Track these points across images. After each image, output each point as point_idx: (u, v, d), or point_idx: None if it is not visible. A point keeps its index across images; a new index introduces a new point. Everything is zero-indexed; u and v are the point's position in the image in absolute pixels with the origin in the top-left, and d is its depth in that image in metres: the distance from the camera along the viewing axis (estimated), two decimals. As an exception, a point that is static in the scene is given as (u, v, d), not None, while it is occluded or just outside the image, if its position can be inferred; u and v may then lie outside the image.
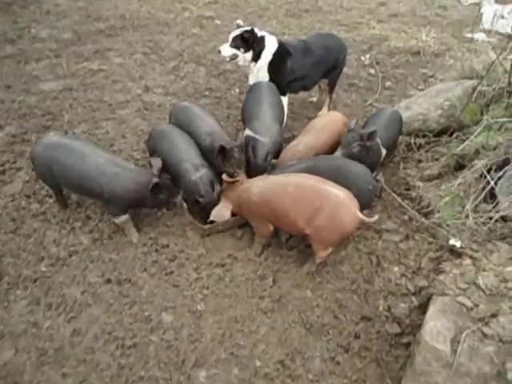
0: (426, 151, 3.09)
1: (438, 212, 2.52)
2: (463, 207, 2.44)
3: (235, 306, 2.26)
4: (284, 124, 3.22)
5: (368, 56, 4.91)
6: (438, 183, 2.81)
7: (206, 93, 4.14)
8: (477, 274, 2.04)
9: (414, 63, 4.80)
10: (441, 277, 2.14)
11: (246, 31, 3.01)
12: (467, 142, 2.64)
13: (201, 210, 2.55)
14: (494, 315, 1.78)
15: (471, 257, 2.19)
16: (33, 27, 5.25)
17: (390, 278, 2.40)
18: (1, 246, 2.54)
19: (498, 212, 2.27)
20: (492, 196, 2.38)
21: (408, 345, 2.06)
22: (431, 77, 4.51)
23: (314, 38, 3.52)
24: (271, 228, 2.38)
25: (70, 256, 2.50)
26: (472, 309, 1.86)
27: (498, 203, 2.32)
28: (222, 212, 2.42)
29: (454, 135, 2.96)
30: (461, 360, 1.67)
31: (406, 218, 2.75)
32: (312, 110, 3.94)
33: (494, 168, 2.42)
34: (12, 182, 2.98)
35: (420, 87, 4.31)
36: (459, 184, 2.54)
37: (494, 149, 2.51)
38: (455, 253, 2.31)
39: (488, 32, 4.91)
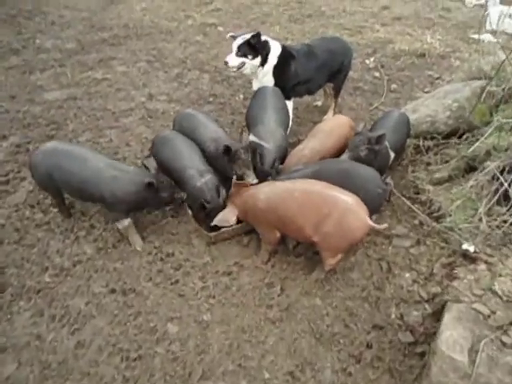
0: (435, 154, 3.03)
1: (450, 216, 2.45)
2: (476, 210, 2.37)
3: (242, 316, 2.20)
4: (289, 129, 3.18)
5: (372, 59, 4.86)
6: (449, 186, 2.74)
7: (210, 99, 4.12)
8: (492, 280, 1.97)
9: (419, 65, 4.74)
10: (455, 283, 2.06)
11: (252, 37, 2.97)
12: (478, 144, 2.57)
13: (206, 217, 2.50)
14: (512, 323, 1.71)
15: (486, 262, 2.12)
16: (37, 38, 5.30)
17: (402, 284, 2.32)
18: (4, 256, 2.51)
19: (512, 215, 2.20)
20: (506, 198, 2.30)
21: (422, 354, 1.98)
22: (437, 79, 4.45)
23: (318, 41, 3.49)
24: (278, 235, 2.32)
25: (74, 266, 2.46)
26: (489, 316, 1.79)
27: (512, 206, 2.25)
28: (227, 217, 2.37)
29: (464, 137, 2.90)
30: (480, 371, 1.59)
31: (416, 222, 2.67)
32: (317, 114, 3.90)
33: (506, 169, 2.35)
34: (16, 192, 2.96)
35: (426, 89, 4.25)
36: (471, 186, 2.47)
37: (506, 150, 2.43)
38: (469, 258, 2.24)
39: (494, 33, 4.84)
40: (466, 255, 2.26)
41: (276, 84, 3.17)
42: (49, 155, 2.38)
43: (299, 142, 3.11)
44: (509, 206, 2.25)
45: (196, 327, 2.15)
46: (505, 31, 5.01)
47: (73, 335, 2.11)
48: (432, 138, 3.05)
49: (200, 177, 2.46)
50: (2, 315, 2.18)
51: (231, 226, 2.47)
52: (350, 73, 3.81)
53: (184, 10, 6.49)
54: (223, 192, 2.50)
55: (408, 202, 2.74)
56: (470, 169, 2.75)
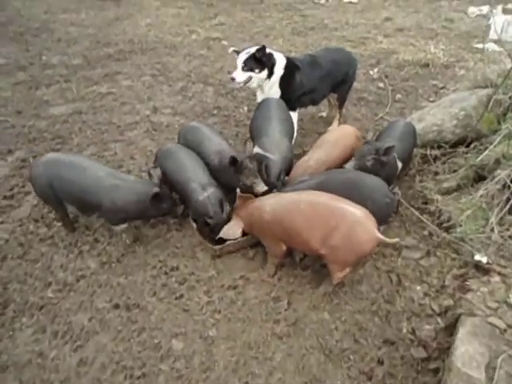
0: (443, 163, 2.98)
1: (460, 226, 2.39)
2: (487, 220, 2.31)
3: (249, 331, 2.14)
4: (294, 140, 3.15)
5: (376, 70, 4.87)
6: (458, 196, 2.69)
7: (215, 112, 4.13)
8: (507, 292, 1.91)
9: (423, 75, 4.73)
10: (468, 295, 2.00)
11: (257, 50, 2.97)
12: (486, 152, 2.52)
13: (210, 231, 2.47)
14: (530, 338, 1.64)
15: (499, 273, 2.06)
16: (44, 54, 5.38)
17: (413, 297, 2.25)
18: (8, 272, 2.48)
19: (525, 224, 2.15)
20: (517, 207, 2.25)
21: (436, 370, 1.90)
22: (442, 88, 4.43)
23: (322, 52, 3.50)
24: (284, 247, 2.27)
25: (78, 281, 2.42)
26: (505, 330, 1.72)
27: (524, 215, 2.19)
28: (232, 230, 2.33)
29: (472, 145, 2.85)
30: (498, 389, 1.52)
31: (425, 233, 2.61)
32: (322, 125, 3.88)
33: (517, 178, 2.30)
34: (20, 207, 2.95)
35: (431, 99, 4.23)
36: (481, 196, 2.42)
37: (516, 158, 2.39)
38: (481, 269, 2.18)
39: (498, 41, 4.84)
40: (478, 266, 2.20)
41: (282, 95, 3.17)
42: (50, 166, 2.39)
43: (304, 153, 3.07)
44: (521, 216, 2.20)
45: (201, 343, 2.09)
46: (508, 40, 4.99)
47: (75, 352, 2.06)
48: (439, 147, 3.01)
49: (202, 190, 2.43)
50: (4, 332, 2.14)
51: (236, 239, 2.43)
52: (354, 83, 3.80)
53: (188, 24, 6.58)
54: (227, 206, 2.47)
55: (416, 213, 2.69)
56: (479, 178, 2.70)
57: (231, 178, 2.54)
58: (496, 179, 2.37)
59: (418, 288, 2.30)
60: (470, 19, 6.60)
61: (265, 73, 3.06)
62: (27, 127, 3.82)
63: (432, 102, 4.05)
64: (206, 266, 2.49)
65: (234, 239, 2.44)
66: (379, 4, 7.65)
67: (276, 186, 2.53)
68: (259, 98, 3.27)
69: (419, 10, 7.17)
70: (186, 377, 1.94)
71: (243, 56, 3.02)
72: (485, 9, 6.72)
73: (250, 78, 3.07)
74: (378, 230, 2.03)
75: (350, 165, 2.50)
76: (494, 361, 1.59)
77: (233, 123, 3.94)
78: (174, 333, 2.13)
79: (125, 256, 2.56)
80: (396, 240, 2.09)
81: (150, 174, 2.57)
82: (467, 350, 1.64)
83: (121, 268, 2.50)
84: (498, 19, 5.35)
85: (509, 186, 2.27)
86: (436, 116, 3.08)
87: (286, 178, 2.63)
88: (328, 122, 3.87)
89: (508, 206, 2.26)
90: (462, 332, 1.74)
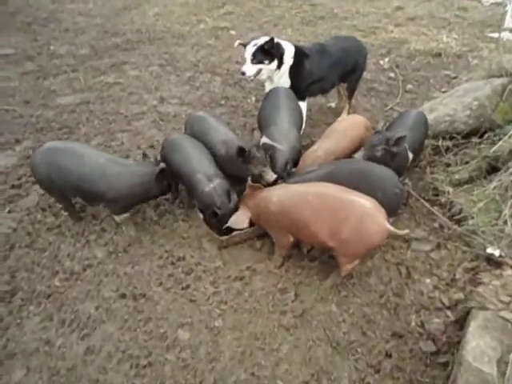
0: (455, 154, 2.91)
1: (472, 218, 2.34)
2: (500, 212, 2.26)
3: (255, 322, 2.12)
4: (303, 130, 3.11)
5: (387, 60, 4.77)
6: (469, 188, 2.63)
7: (222, 102, 4.09)
8: (521, 286, 1.85)
9: (435, 65, 4.63)
10: (479, 289, 1.96)
11: (266, 42, 2.92)
12: (501, 143, 2.46)
13: (218, 222, 2.44)
14: (544, 332, 1.60)
15: (512, 267, 2.01)
16: (52, 44, 5.37)
17: (422, 290, 2.21)
18: (15, 260, 2.49)
19: (540, 217, 2.09)
20: (532, 200, 2.19)
21: (445, 364, 1.87)
22: (454, 78, 4.32)
23: (331, 40, 3.45)
24: (291, 239, 2.24)
25: (85, 270, 2.42)
26: (518, 325, 1.68)
27: (539, 207, 2.13)
28: (240, 220, 2.31)
29: (485, 136, 2.78)
30: (510, 384, 1.49)
31: (436, 225, 2.56)
32: (331, 115, 3.82)
33: (533, 169, 2.24)
34: (28, 196, 2.95)
35: (443, 89, 4.13)
36: (494, 187, 2.36)
37: (532, 149, 2.33)
38: (494, 262, 2.13)
39: (514, 30, 4.71)
40: (490, 259, 2.15)
41: (292, 84, 3.12)
42: (47, 155, 2.38)
43: (312, 143, 3.03)
44: (536, 208, 2.14)
45: (207, 334, 2.08)
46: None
47: (82, 340, 2.06)
48: (451, 138, 2.94)
49: (208, 181, 2.40)
50: (12, 320, 2.15)
51: (243, 229, 2.41)
52: (364, 74, 3.73)
53: (196, 14, 6.52)
54: (234, 196, 2.44)
55: (427, 204, 2.64)
56: (492, 169, 2.63)
57: (238, 168, 2.51)
58: (510, 171, 2.31)
59: (428, 281, 2.26)
60: (485, 8, 6.43)
61: (274, 63, 3.01)
62: (35, 117, 3.82)
63: (444, 92, 3.96)
64: (212, 256, 2.48)
65: (241, 229, 2.41)
66: (390, -8, 7.48)
67: (282, 176, 2.49)
68: (267, 89, 3.22)
69: (431, -1, 7.00)
70: (191, 366, 1.94)
71: (251, 49, 2.96)
72: (500, -3, 6.53)
73: (260, 70, 3.02)
74: (388, 221, 1.99)
75: (359, 155, 2.45)
76: (506, 356, 1.55)
77: (240, 113, 3.89)
78: (180, 323, 2.13)
79: (131, 246, 2.55)
80: (406, 232, 2.04)
81: (145, 155, 2.56)
82: (478, 345, 1.60)
83: (127, 257, 2.49)
84: (514, 7, 5.19)
85: (524, 178, 2.21)
86: (448, 106, 3.00)
87: (294, 169, 2.59)
88: (337, 112, 3.81)
89: (522, 198, 2.20)
90: (473, 326, 1.71)
